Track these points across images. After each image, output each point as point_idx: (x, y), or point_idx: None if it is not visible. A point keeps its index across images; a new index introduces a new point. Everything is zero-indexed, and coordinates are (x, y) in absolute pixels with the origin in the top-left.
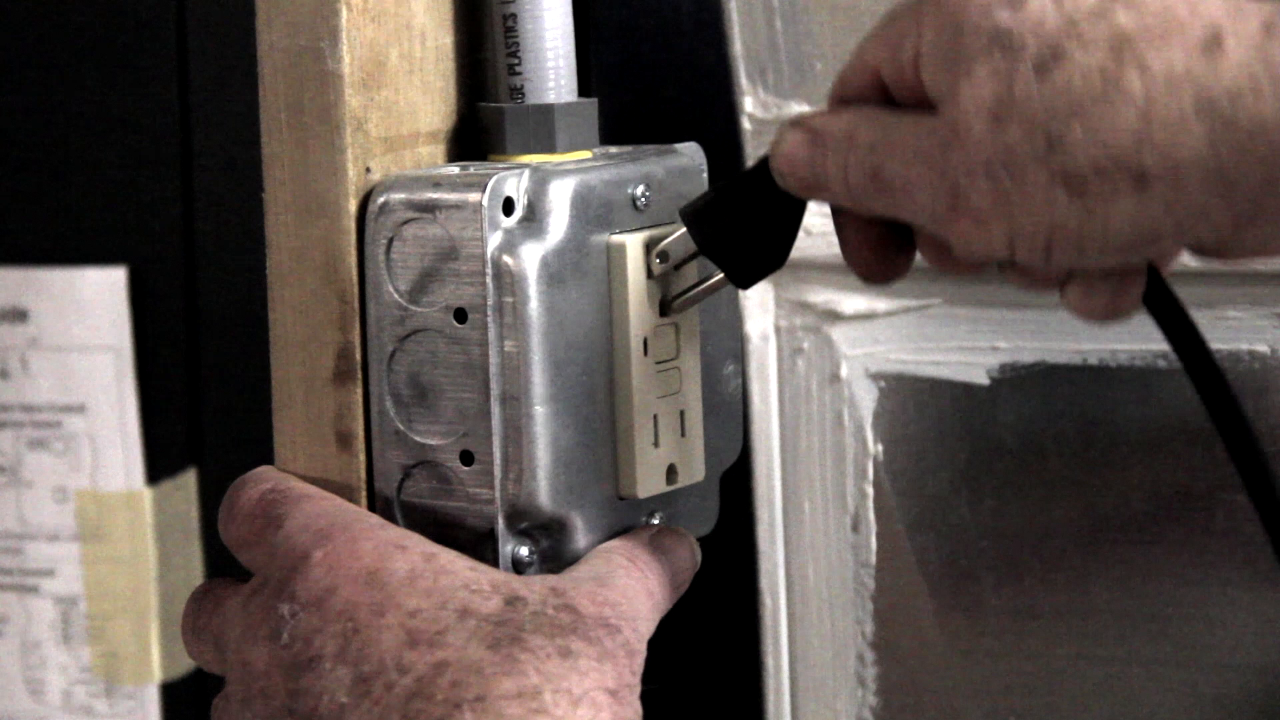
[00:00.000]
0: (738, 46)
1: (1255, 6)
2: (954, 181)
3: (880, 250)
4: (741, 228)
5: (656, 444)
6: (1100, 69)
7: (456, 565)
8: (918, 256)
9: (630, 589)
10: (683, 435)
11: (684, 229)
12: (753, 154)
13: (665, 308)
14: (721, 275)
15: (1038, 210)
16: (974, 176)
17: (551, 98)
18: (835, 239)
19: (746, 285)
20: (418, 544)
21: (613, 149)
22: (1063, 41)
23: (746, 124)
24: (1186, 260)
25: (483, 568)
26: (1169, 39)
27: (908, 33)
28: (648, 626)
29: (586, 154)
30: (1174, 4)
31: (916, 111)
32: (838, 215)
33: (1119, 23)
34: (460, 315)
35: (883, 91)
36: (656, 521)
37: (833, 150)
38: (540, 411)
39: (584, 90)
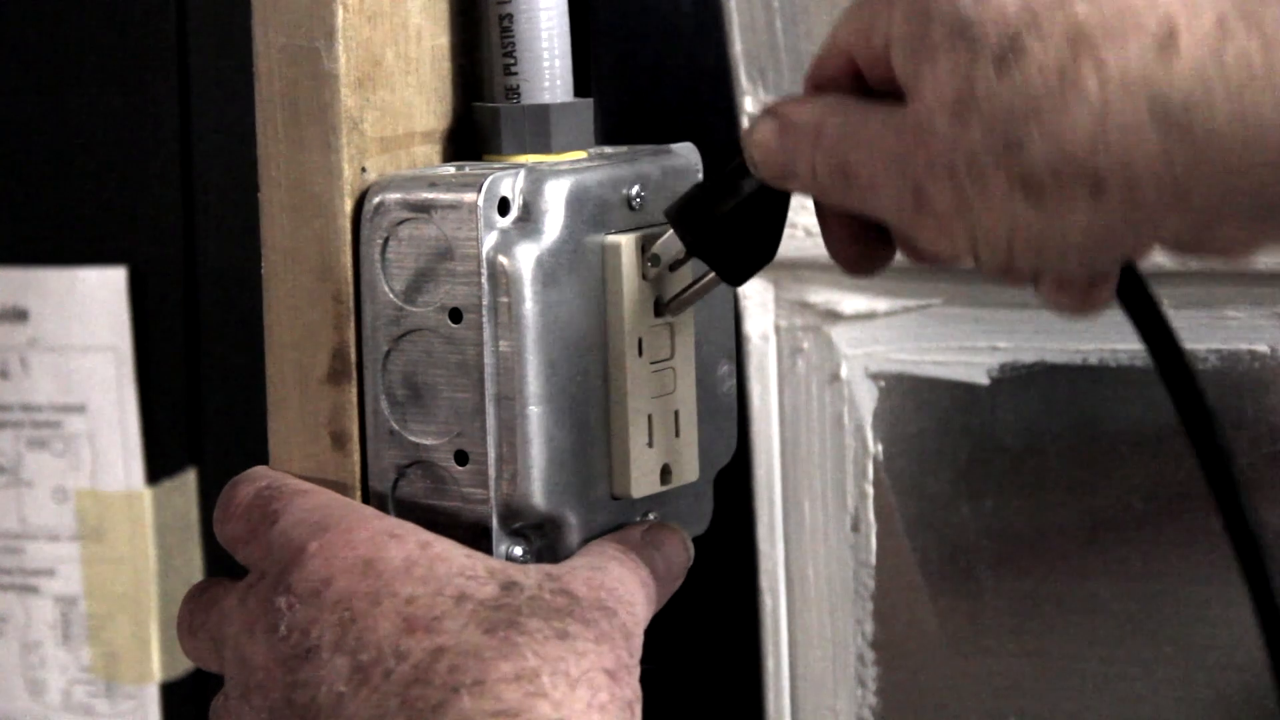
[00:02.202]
0: (738, 46)
1: None
2: (917, 182)
3: (862, 242)
4: (727, 224)
5: (651, 444)
6: (1058, 65)
7: (452, 553)
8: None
9: (625, 576)
10: (677, 435)
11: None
12: None
13: (660, 308)
14: (714, 274)
15: (998, 214)
16: (937, 178)
17: (547, 98)
18: None
19: (738, 282)
20: (413, 532)
21: (608, 149)
22: (1022, 33)
23: (746, 124)
24: (1186, 261)
25: (478, 555)
26: (1125, 34)
27: (880, 14)
28: (644, 611)
29: (582, 154)
30: None
31: (887, 102)
32: (819, 205)
33: (1076, 15)
34: (455, 315)
35: (857, 77)
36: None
37: (801, 141)
38: (535, 411)
39: (583, 90)
